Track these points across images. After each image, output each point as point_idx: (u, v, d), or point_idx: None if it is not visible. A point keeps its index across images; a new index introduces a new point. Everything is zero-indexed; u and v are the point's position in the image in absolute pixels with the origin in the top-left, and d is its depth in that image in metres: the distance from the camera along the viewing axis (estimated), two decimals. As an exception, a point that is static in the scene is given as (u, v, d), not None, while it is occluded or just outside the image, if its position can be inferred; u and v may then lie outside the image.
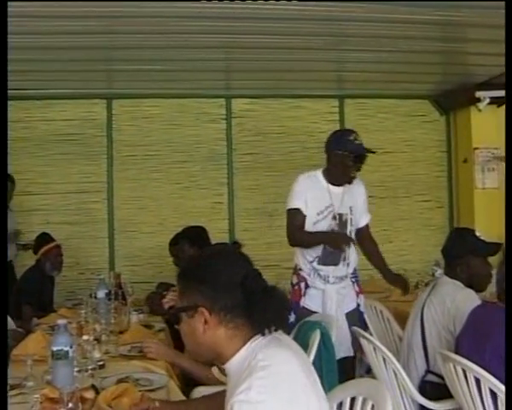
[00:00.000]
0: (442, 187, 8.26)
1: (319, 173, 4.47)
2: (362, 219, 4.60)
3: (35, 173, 7.49)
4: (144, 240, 7.59)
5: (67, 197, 7.49)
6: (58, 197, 7.48)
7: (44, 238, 5.99)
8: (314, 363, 3.09)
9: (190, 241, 5.34)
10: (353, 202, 4.46)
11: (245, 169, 7.83)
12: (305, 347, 3.09)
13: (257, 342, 1.89)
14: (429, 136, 8.21)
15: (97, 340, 3.70)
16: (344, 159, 4.34)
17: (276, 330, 1.92)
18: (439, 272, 4.14)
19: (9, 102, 7.35)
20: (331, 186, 4.40)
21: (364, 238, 4.63)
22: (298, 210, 4.32)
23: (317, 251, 4.30)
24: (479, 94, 7.39)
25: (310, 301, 4.31)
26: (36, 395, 2.39)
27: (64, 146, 7.51)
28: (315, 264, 4.32)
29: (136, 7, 4.86)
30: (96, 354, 3.44)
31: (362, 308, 4.38)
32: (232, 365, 1.91)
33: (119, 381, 2.83)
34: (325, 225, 4.33)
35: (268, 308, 1.88)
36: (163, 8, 4.89)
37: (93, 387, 2.68)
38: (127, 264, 7.51)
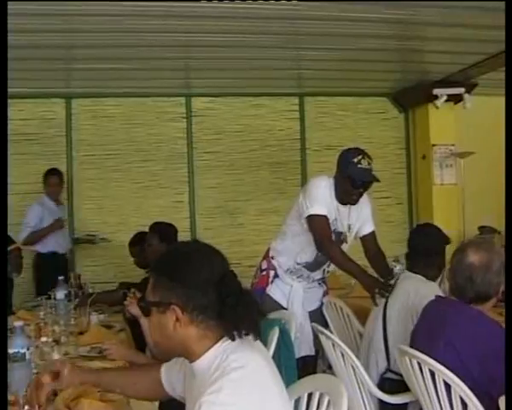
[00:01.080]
0: (401, 183, 8.37)
1: (332, 183, 4.22)
2: (365, 227, 4.36)
3: (-9, 174, 7.36)
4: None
5: (26, 198, 7.38)
6: (17, 198, 7.36)
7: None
8: (274, 360, 3.11)
9: (160, 236, 5.30)
10: (353, 220, 4.28)
11: (205, 168, 7.83)
12: (264, 344, 3.10)
13: (228, 342, 1.86)
14: (388, 133, 8.31)
15: (56, 341, 3.68)
16: (344, 182, 4.10)
17: (246, 335, 1.87)
18: (399, 267, 4.14)
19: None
20: (337, 202, 4.18)
21: (370, 249, 4.45)
22: (325, 218, 4.06)
23: (310, 257, 4.23)
24: (436, 91, 7.50)
25: (275, 290, 4.27)
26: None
27: (22, 146, 7.41)
28: (300, 266, 4.27)
29: (95, 5, 4.86)
30: (55, 356, 3.42)
31: (324, 307, 4.43)
32: (200, 364, 1.88)
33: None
34: None
35: (242, 312, 1.84)
36: (122, 6, 4.91)
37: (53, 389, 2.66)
38: (88, 264, 7.45)
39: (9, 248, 5.77)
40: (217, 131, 7.83)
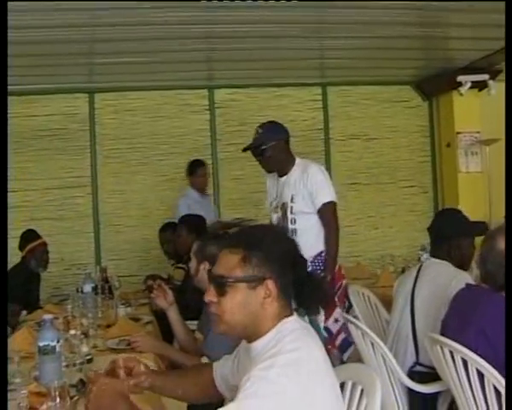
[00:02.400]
0: (426, 172, 8.29)
1: None
2: (316, 201, 4.34)
3: (17, 170, 7.38)
4: (130, 233, 7.56)
5: (51, 193, 7.44)
6: (41, 193, 7.43)
7: (30, 235, 5.93)
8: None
9: (189, 228, 5.30)
10: (296, 190, 4.37)
11: (229, 159, 7.81)
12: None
13: (290, 323, 1.87)
14: (412, 121, 8.23)
15: (85, 334, 3.69)
16: None
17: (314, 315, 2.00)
18: (425, 256, 4.11)
19: (-10, 99, 7.37)
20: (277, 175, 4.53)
21: (322, 221, 4.41)
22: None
23: None
24: (460, 78, 7.41)
25: None
26: (23, 391, 2.37)
27: (46, 142, 7.46)
28: None
29: (117, -1, 4.85)
30: (84, 349, 3.42)
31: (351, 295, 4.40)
32: (259, 343, 1.88)
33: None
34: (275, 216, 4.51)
35: (316, 292, 1.93)
36: (144, -1, 4.89)
37: (81, 381, 2.67)
38: (113, 258, 7.47)
39: (34, 244, 5.81)
40: (240, 122, 7.78)
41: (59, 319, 3.84)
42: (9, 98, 7.33)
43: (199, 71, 7.35)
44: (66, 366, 2.93)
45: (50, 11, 5.02)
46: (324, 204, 4.27)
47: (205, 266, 3.63)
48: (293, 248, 1.96)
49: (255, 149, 4.46)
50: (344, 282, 4.41)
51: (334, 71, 7.58)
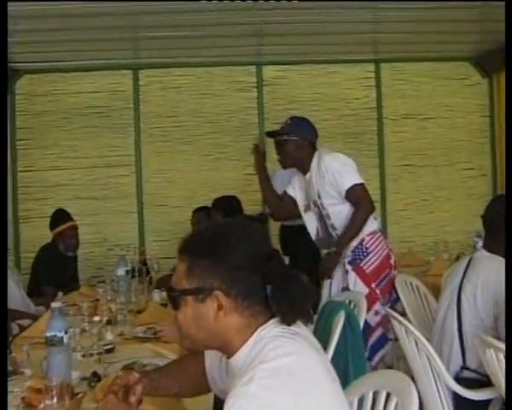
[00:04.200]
0: (485, 154, 7.84)
1: None
2: (340, 189, 4.15)
3: (62, 148, 7.33)
4: (174, 214, 7.38)
5: (95, 171, 7.32)
6: (85, 172, 7.32)
7: (60, 217, 5.78)
8: (339, 349, 2.82)
9: (223, 211, 5.14)
10: (318, 185, 4.22)
11: (277, 139, 7.53)
12: (329, 331, 2.82)
13: (268, 329, 1.61)
14: (470, 100, 7.78)
15: (110, 321, 3.51)
16: None
17: (294, 320, 1.63)
18: (480, 244, 3.79)
19: (35, 76, 7.29)
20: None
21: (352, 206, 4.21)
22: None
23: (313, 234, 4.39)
24: (524, 53, 6.95)
25: None
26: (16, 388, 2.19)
27: (91, 119, 7.32)
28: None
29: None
30: (108, 337, 3.26)
31: (351, 287, 4.10)
32: (238, 358, 1.63)
33: (125, 367, 2.61)
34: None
35: (291, 295, 1.60)
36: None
37: (95, 374, 2.48)
38: (156, 239, 7.32)
39: (63, 228, 5.67)
40: (289, 100, 7.50)
41: (84, 304, 3.68)
42: (54, 75, 7.30)
43: (247, 46, 7.06)
44: (83, 356, 2.75)
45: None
46: (348, 190, 4.08)
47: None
48: (256, 247, 1.66)
49: (278, 135, 4.36)
50: (392, 272, 4.16)
51: (388, 46, 7.20)
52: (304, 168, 4.30)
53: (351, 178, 4.08)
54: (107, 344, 3.02)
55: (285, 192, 4.53)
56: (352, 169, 4.12)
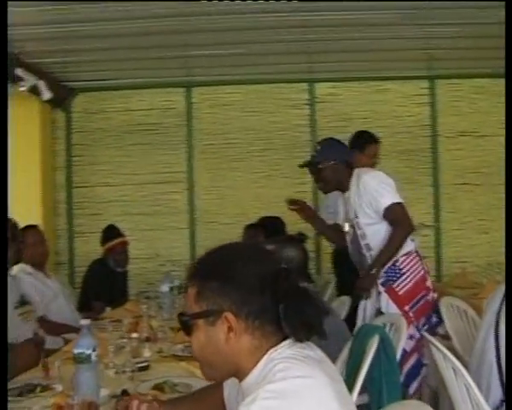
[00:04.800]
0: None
1: None
2: (378, 209, 4.07)
3: (113, 164, 7.45)
4: (224, 231, 7.37)
5: (146, 188, 7.42)
6: (137, 188, 7.41)
7: (111, 232, 5.88)
8: (373, 374, 2.74)
9: (266, 232, 5.11)
10: (356, 204, 4.15)
11: (329, 156, 7.46)
12: (362, 355, 2.74)
13: (279, 351, 1.58)
14: (529, 117, 7.56)
15: (148, 338, 3.51)
16: None
17: (308, 339, 1.61)
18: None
19: (91, 94, 7.43)
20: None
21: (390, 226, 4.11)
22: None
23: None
24: None
25: None
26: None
27: (143, 136, 7.43)
28: None
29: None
30: (146, 354, 3.26)
31: (384, 309, 4.00)
32: (249, 380, 1.61)
33: (156, 386, 2.60)
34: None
35: (303, 311, 1.58)
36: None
37: (124, 392, 2.46)
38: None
39: (113, 243, 5.73)
40: (341, 117, 7.44)
41: (125, 320, 3.69)
42: (107, 93, 7.43)
43: (298, 64, 7.06)
44: (116, 372, 2.74)
45: (146, 2, 4.89)
46: (386, 209, 3.99)
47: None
48: (263, 266, 1.65)
49: (312, 166, 4.28)
50: (430, 295, 4.04)
51: (443, 62, 7.05)
52: (344, 189, 4.24)
53: (389, 197, 4.00)
54: (142, 362, 3.01)
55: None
56: (390, 188, 4.04)
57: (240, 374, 1.64)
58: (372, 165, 5.29)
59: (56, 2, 4.82)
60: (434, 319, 3.97)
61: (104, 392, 2.42)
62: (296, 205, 4.42)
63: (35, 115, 6.92)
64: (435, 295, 4.08)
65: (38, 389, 2.62)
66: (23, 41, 5.61)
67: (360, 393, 2.72)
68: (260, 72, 7.15)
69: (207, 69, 7.03)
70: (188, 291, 1.69)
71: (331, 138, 4.41)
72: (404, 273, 3.99)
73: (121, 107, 7.45)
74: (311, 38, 6.21)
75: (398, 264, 3.99)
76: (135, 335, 3.30)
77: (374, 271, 4.00)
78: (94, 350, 2.36)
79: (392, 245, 3.97)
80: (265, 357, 1.59)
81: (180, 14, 5.26)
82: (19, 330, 3.85)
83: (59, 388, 2.52)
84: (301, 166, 4.41)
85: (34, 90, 6.22)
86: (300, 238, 3.71)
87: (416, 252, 4.13)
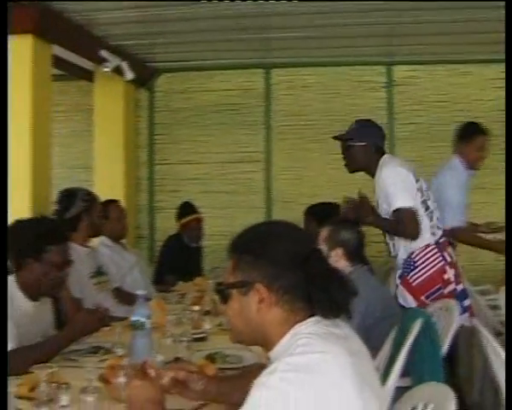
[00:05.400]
0: None
1: None
2: (390, 207, 4.00)
3: (195, 143, 7.68)
4: (300, 211, 7.43)
5: (225, 166, 7.62)
6: (216, 166, 7.63)
7: (186, 209, 6.09)
8: (415, 358, 2.82)
9: (318, 220, 5.09)
10: (377, 194, 4.15)
11: (406, 140, 7.44)
12: (402, 337, 2.82)
13: (305, 326, 1.69)
14: None
15: (208, 312, 3.69)
16: None
17: (336, 316, 1.72)
18: None
19: (173, 74, 7.68)
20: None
21: None
22: None
23: None
24: None
25: None
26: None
27: (222, 116, 7.63)
28: None
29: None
30: (206, 326, 3.44)
31: (401, 301, 3.96)
32: (275, 351, 1.72)
33: (208, 356, 2.77)
34: None
35: (332, 292, 1.68)
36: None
37: (177, 359, 2.65)
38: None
39: (188, 219, 5.94)
40: (418, 101, 7.40)
41: (189, 294, 3.89)
42: (190, 73, 7.66)
43: (377, 46, 7.03)
44: (174, 341, 2.92)
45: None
46: (394, 211, 3.92)
47: (337, 252, 3.49)
48: (296, 245, 1.76)
49: (342, 140, 4.31)
50: (448, 287, 3.96)
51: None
52: (371, 172, 4.21)
53: (401, 199, 3.91)
54: (199, 333, 3.19)
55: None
56: (405, 189, 3.96)
57: (267, 344, 1.76)
58: (480, 158, 5.19)
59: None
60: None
61: (158, 358, 2.61)
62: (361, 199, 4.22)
63: (119, 95, 7.20)
64: (459, 286, 4.00)
65: (101, 351, 2.86)
66: (108, 25, 5.88)
67: (403, 376, 2.79)
68: (339, 54, 7.19)
69: (287, 51, 7.12)
70: (227, 262, 1.84)
71: (369, 120, 4.41)
72: (418, 266, 3.94)
73: (202, 87, 7.67)
74: (392, 21, 6.20)
75: (413, 256, 3.95)
76: (196, 307, 3.49)
77: (370, 219, 4.01)
78: (148, 318, 2.56)
79: (392, 228, 3.99)
80: (291, 331, 1.69)
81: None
82: (93, 298, 4.13)
83: (119, 352, 2.73)
84: (334, 137, 4.44)
85: (118, 71, 6.51)
86: (356, 221, 3.78)
87: (437, 244, 4.04)
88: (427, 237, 4.01)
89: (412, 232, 3.94)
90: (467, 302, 4.02)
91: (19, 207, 4.93)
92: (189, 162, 7.66)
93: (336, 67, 7.50)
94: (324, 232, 3.53)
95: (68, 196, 4.45)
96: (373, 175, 4.19)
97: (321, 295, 1.68)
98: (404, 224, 3.90)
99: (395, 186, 3.95)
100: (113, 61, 6.27)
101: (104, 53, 6.16)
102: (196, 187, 7.58)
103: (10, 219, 3.99)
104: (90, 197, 4.47)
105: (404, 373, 2.80)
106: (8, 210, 4.76)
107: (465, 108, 7.29)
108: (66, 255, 3.09)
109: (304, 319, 1.71)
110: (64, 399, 2.17)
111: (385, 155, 4.22)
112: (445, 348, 3.05)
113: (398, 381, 2.66)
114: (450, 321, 3.21)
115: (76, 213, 4.35)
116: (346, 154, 4.32)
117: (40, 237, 3.00)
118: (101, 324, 3.12)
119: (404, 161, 4.33)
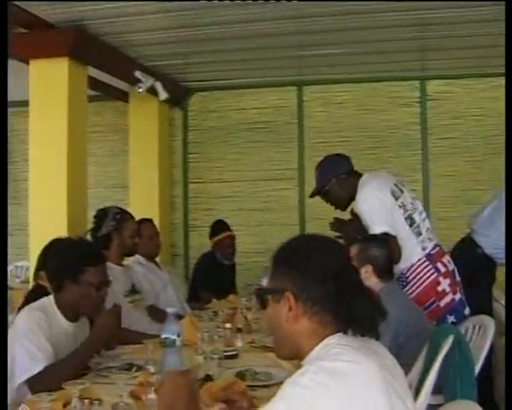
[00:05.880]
0: None
1: None
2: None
3: (228, 161, 7.75)
4: (335, 228, 7.47)
5: (258, 184, 7.66)
6: (249, 184, 7.68)
7: (219, 226, 6.13)
8: (448, 375, 2.79)
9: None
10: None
11: (441, 155, 7.41)
12: (434, 352, 2.79)
13: (336, 339, 1.72)
14: None
15: (240, 329, 3.69)
16: None
17: (362, 335, 1.73)
18: None
19: (206, 93, 7.76)
20: None
21: None
22: None
23: None
24: None
25: None
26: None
27: (255, 134, 7.71)
28: None
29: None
30: (238, 344, 3.45)
31: None
32: (307, 361, 1.74)
33: (238, 373, 2.78)
34: None
35: (360, 309, 1.71)
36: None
37: (207, 377, 2.66)
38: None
39: (221, 237, 5.98)
40: (453, 115, 7.36)
41: (223, 311, 3.90)
42: (222, 92, 7.73)
43: (410, 61, 7.01)
44: (204, 358, 2.93)
45: (260, 5, 5.05)
46: None
47: (367, 269, 3.47)
48: (329, 259, 1.79)
49: (319, 193, 4.32)
50: (445, 298, 3.95)
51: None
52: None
53: (376, 225, 3.89)
54: (231, 350, 3.20)
55: None
56: (378, 215, 3.92)
57: (299, 354, 1.79)
58: None
59: (173, 9, 5.09)
60: (451, 321, 3.88)
61: (190, 375, 2.62)
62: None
63: (154, 115, 7.31)
64: (457, 296, 3.98)
65: (134, 368, 2.88)
66: (141, 46, 5.97)
67: (436, 393, 2.77)
68: (372, 70, 7.21)
69: (319, 68, 7.14)
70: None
71: (324, 158, 4.37)
72: (410, 281, 3.93)
73: (235, 105, 7.75)
74: (425, 36, 6.18)
75: (404, 272, 3.95)
76: (228, 325, 3.50)
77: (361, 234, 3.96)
78: (178, 336, 2.57)
79: None
80: (322, 342, 1.72)
81: (292, 16, 5.38)
82: (128, 316, 4.17)
83: (151, 369, 2.75)
84: (310, 196, 4.47)
85: (152, 91, 6.59)
86: (384, 238, 3.76)
87: (428, 256, 4.00)
88: (417, 251, 4.00)
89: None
90: (467, 311, 3.99)
91: (55, 226, 5.02)
92: (222, 181, 7.72)
93: (369, 83, 7.50)
94: (354, 249, 3.51)
95: (100, 216, 4.51)
96: None
97: (349, 310, 1.71)
98: None
99: (369, 212, 3.94)
100: (147, 81, 6.36)
101: (138, 74, 6.25)
102: (230, 205, 7.63)
103: (47, 239, 4.10)
104: (120, 216, 4.49)
105: (437, 391, 2.77)
106: (46, 229, 4.91)
107: (500, 122, 7.18)
108: (105, 276, 3.13)
109: (333, 333, 1.73)
110: (96, 415, 2.20)
111: (363, 177, 4.15)
112: (478, 365, 3.02)
113: (430, 398, 2.63)
114: (484, 337, 3.17)
115: (107, 232, 4.39)
116: (329, 202, 4.35)
117: (77, 259, 3.04)
118: (120, 320, 3.17)
119: (382, 178, 4.23)
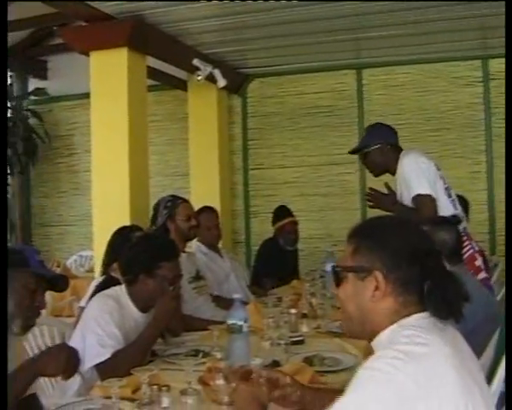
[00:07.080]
0: None
1: None
2: (411, 195, 3.95)
3: (288, 147, 7.72)
4: (396, 211, 7.39)
5: (319, 169, 7.61)
6: (310, 169, 7.63)
7: (281, 212, 6.11)
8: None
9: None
10: (400, 187, 4.11)
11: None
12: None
13: (413, 319, 1.69)
14: None
15: (305, 315, 3.68)
16: None
17: (446, 318, 1.70)
18: None
19: (265, 79, 7.75)
20: None
21: None
22: None
23: None
24: None
25: None
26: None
27: (315, 119, 7.65)
28: None
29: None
30: (304, 329, 3.44)
31: None
32: (377, 341, 1.72)
33: (306, 359, 2.76)
34: None
35: (447, 293, 1.69)
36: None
37: (274, 362, 2.66)
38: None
39: (283, 223, 5.97)
40: (518, 94, 7.15)
41: (287, 297, 3.90)
42: (281, 78, 7.71)
43: (472, 40, 6.84)
44: (271, 344, 2.93)
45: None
46: (413, 198, 3.90)
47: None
48: (417, 240, 1.76)
49: (359, 151, 4.35)
50: (480, 275, 3.87)
51: None
52: (393, 171, 4.18)
53: (420, 186, 3.89)
54: (297, 336, 3.19)
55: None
56: (423, 177, 3.91)
57: (371, 333, 1.75)
58: None
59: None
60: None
61: (257, 361, 2.62)
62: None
63: (213, 102, 7.34)
64: (487, 275, 3.99)
65: (200, 354, 2.90)
66: (199, 34, 5.99)
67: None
68: (431, 50, 7.06)
69: (378, 50, 7.06)
70: (345, 247, 1.82)
71: (377, 123, 4.47)
72: None
73: (294, 90, 7.71)
74: (486, 13, 6.03)
75: None
76: (293, 311, 3.49)
77: (393, 207, 4.00)
78: (245, 322, 2.58)
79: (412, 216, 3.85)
80: (398, 322, 1.69)
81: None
82: (193, 302, 4.20)
83: (218, 355, 2.76)
84: (350, 152, 4.52)
85: (211, 78, 6.61)
86: (453, 221, 3.69)
87: (464, 230, 3.95)
88: None
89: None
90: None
91: (119, 215, 5.10)
92: (282, 166, 7.71)
93: (430, 64, 7.35)
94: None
95: (155, 207, 4.54)
96: (394, 173, 4.18)
97: (436, 292, 1.68)
98: (420, 210, 3.88)
99: (414, 173, 3.94)
100: (206, 69, 6.38)
101: (196, 62, 6.28)
102: (291, 191, 7.61)
103: (111, 229, 4.16)
104: (171, 203, 4.48)
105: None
106: (109, 218, 4.98)
107: None
108: (178, 270, 3.16)
109: (412, 314, 1.70)
110: (165, 401, 2.21)
111: (403, 151, 4.16)
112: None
113: (503, 386, 2.56)
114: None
115: (162, 222, 4.41)
116: (365, 162, 4.37)
117: (153, 253, 3.08)
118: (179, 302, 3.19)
119: (423, 153, 4.26)
